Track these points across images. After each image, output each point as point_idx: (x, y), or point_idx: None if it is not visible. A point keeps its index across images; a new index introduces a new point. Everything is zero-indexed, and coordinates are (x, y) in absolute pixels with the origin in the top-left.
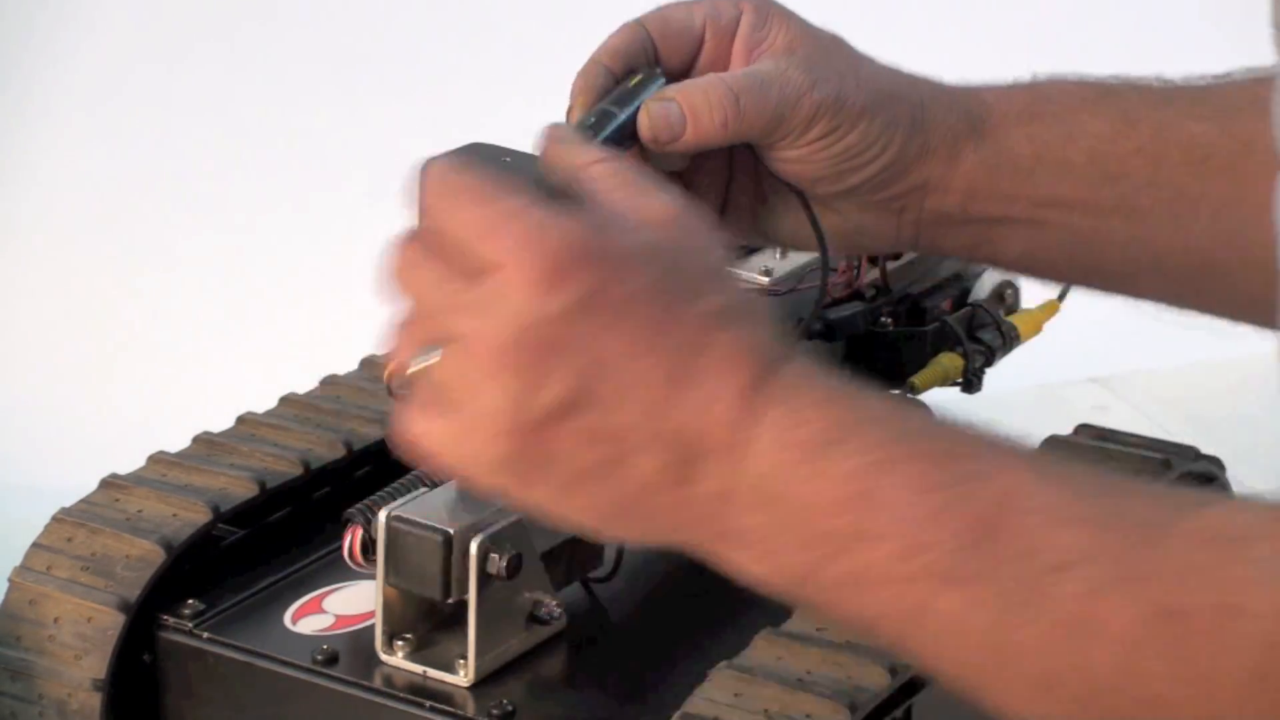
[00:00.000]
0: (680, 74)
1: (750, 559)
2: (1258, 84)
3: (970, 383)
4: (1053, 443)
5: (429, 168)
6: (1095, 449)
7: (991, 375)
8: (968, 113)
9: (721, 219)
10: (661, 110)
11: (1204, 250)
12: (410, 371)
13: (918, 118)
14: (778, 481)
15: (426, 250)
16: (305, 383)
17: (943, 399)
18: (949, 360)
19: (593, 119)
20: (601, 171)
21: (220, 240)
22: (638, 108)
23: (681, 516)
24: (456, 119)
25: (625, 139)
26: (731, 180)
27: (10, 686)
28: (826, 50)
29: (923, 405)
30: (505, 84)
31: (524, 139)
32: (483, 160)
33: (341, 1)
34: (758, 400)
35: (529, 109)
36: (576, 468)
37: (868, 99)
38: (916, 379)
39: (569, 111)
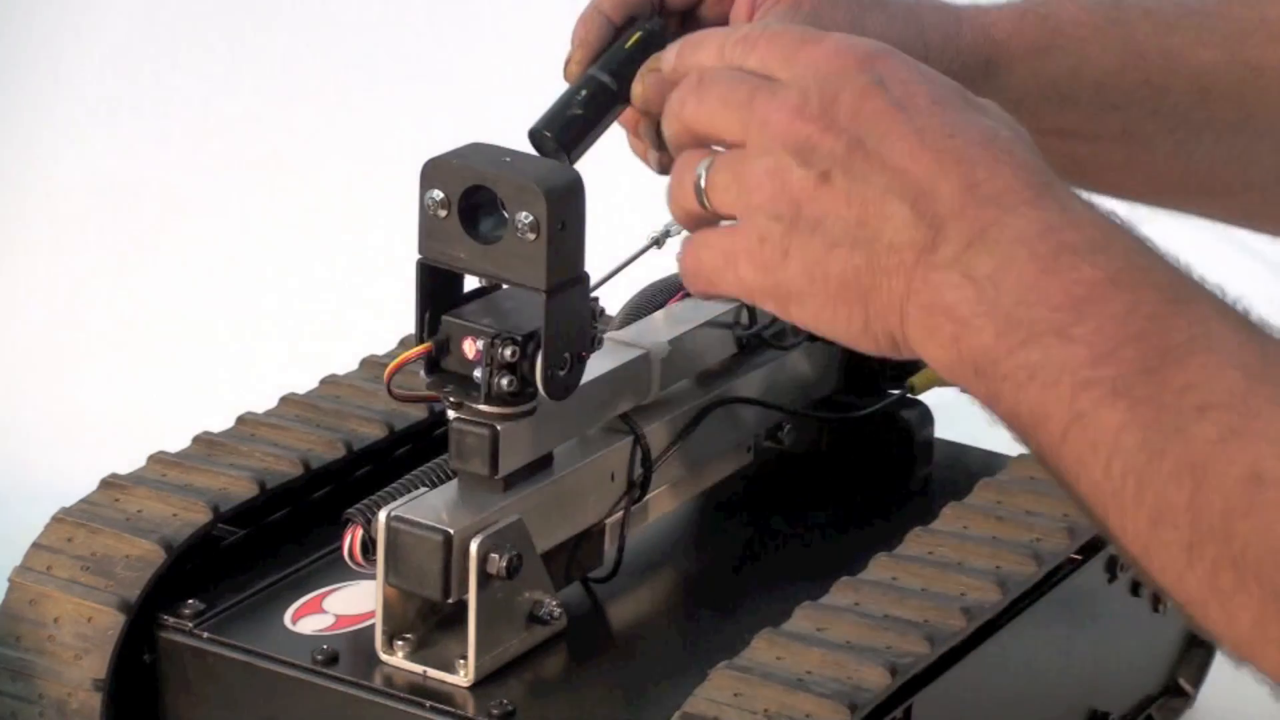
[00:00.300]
0: (684, 14)
1: (944, 338)
2: (1267, 3)
3: None
4: None
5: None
6: None
7: None
8: (974, 55)
9: None
10: (655, 81)
11: (1204, 172)
12: (700, 175)
13: None
14: (1011, 263)
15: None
16: (305, 383)
17: (943, 399)
18: None
19: (582, 93)
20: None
21: (220, 240)
22: (630, 75)
23: (905, 286)
24: (456, 119)
25: (618, 105)
26: None
27: (10, 686)
28: (835, 2)
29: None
30: (505, 84)
31: (523, 138)
32: (483, 160)
33: (341, 3)
34: (1028, 195)
35: (529, 109)
36: (838, 230)
37: None
38: (916, 379)
39: (566, 63)
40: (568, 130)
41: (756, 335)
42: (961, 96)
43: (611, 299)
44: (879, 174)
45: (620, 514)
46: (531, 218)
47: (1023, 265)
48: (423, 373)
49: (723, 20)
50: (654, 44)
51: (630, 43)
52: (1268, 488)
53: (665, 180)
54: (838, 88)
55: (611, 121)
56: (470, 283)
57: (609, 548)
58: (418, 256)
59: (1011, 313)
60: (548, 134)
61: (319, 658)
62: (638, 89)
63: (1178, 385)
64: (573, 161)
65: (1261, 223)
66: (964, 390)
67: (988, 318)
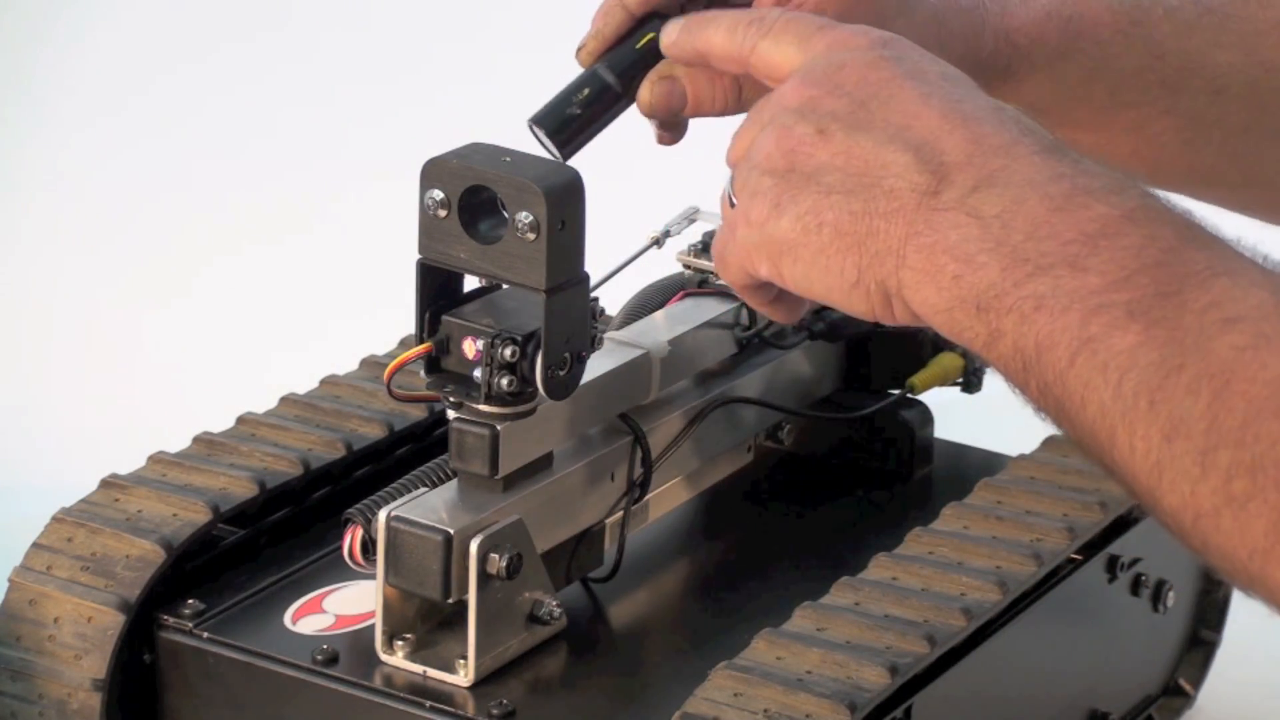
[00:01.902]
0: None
1: (944, 279)
2: None
3: (970, 383)
4: (1052, 442)
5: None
6: None
7: (992, 375)
8: (989, 66)
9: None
10: (665, 90)
11: (1209, 167)
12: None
13: None
14: (1021, 201)
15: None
16: (305, 383)
17: (943, 399)
18: (949, 360)
19: (586, 91)
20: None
21: (220, 240)
22: (636, 80)
23: (908, 228)
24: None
25: (619, 105)
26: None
27: (10, 686)
28: (857, 10)
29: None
30: (505, 84)
31: (523, 138)
32: (483, 159)
33: (341, 5)
34: (1045, 147)
35: (529, 109)
36: (834, 179)
37: None
38: (916, 379)
39: (579, 50)
40: (563, 129)
41: (757, 335)
42: (971, 82)
43: (611, 299)
44: (881, 127)
45: (620, 514)
46: (531, 217)
47: (1033, 205)
48: (423, 373)
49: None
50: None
51: (641, 43)
52: None
53: (665, 180)
54: (846, 58)
55: (611, 121)
56: (470, 282)
57: (609, 548)
58: (418, 256)
59: (1020, 247)
60: (540, 131)
61: (319, 658)
62: (644, 95)
63: (1200, 305)
64: (566, 158)
65: (1265, 215)
66: (958, 339)
67: (993, 253)
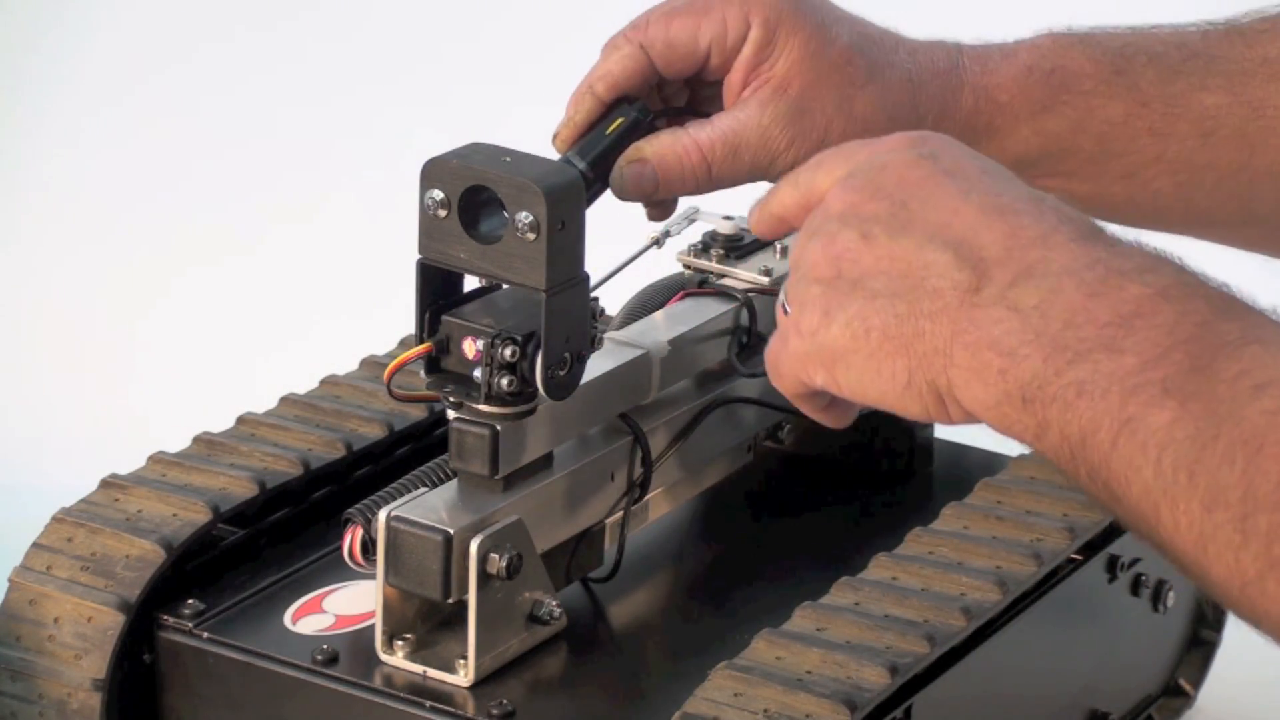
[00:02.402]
0: (677, 88)
1: (991, 374)
2: (1268, 43)
3: None
4: None
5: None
6: None
7: None
8: (971, 125)
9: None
10: (635, 173)
11: (1205, 209)
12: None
13: None
14: (1058, 291)
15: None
16: (305, 383)
17: None
18: None
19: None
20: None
21: (220, 240)
22: (607, 168)
23: (950, 330)
24: (456, 118)
25: (595, 186)
26: None
27: (10, 686)
28: (825, 82)
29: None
30: (506, 84)
31: (523, 138)
32: (483, 159)
33: (341, 3)
34: (1085, 229)
35: (529, 108)
36: (879, 283)
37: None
38: None
39: (554, 136)
40: None
41: (757, 335)
42: (1009, 173)
43: (611, 299)
44: (921, 228)
45: (620, 514)
46: (531, 217)
47: (1070, 293)
48: (423, 373)
49: (719, 84)
50: (636, 133)
51: (611, 128)
52: None
53: (669, 216)
54: (885, 159)
55: (587, 206)
56: (470, 282)
57: (609, 548)
58: (418, 256)
59: (1059, 336)
60: None
61: (319, 658)
62: (616, 179)
63: (1231, 374)
64: None
65: (1262, 249)
66: (1009, 433)
67: (1034, 345)
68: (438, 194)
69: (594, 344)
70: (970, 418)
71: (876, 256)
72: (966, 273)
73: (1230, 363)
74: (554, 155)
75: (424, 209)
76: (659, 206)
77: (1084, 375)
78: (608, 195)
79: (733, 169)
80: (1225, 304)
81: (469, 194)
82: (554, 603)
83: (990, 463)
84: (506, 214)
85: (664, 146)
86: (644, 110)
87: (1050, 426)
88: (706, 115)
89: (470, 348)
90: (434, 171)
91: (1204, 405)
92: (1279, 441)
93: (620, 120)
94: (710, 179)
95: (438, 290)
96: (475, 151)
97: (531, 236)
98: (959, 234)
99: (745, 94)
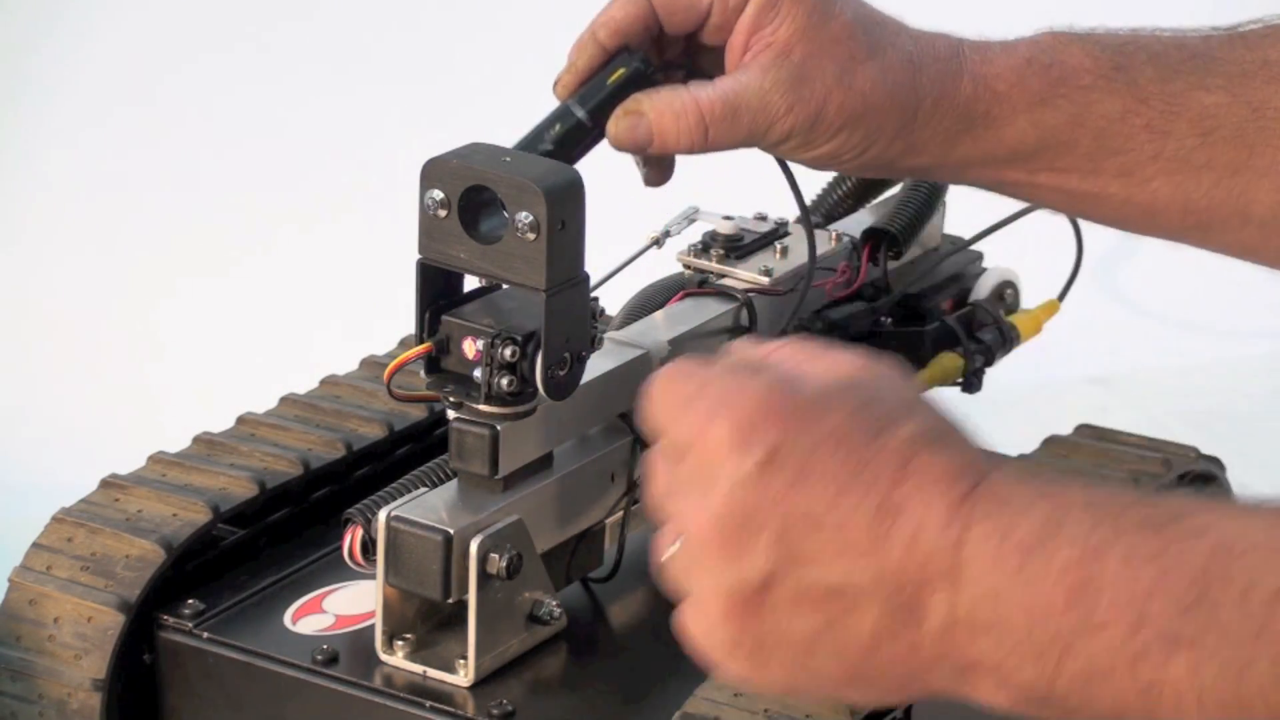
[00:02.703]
0: (678, 46)
1: (992, 687)
2: (1269, 46)
3: (970, 383)
4: (1053, 443)
5: (654, 384)
6: (1095, 449)
7: (991, 375)
8: (970, 111)
9: None
10: (630, 125)
11: (1203, 211)
12: (663, 561)
13: (907, 126)
14: (999, 594)
15: (663, 454)
16: (305, 383)
17: (943, 399)
18: (949, 360)
19: (558, 128)
20: (786, 350)
21: (220, 241)
22: (605, 117)
23: (916, 660)
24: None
25: (591, 140)
26: None
27: (10, 686)
28: (825, 52)
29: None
30: (505, 83)
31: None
32: (483, 159)
33: (341, 3)
34: (963, 519)
35: (529, 108)
36: (803, 635)
37: (849, 116)
38: (916, 379)
39: (556, 83)
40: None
41: (757, 335)
42: (868, 425)
43: (611, 299)
44: (821, 563)
45: (620, 514)
46: (531, 217)
47: (1009, 591)
48: (423, 373)
49: (720, 48)
50: (636, 83)
51: (613, 78)
52: None
53: (666, 182)
54: (729, 490)
55: (583, 154)
56: (470, 282)
57: (609, 548)
58: (418, 256)
59: (1032, 637)
60: None
61: (319, 658)
62: (612, 129)
63: (1234, 596)
64: None
65: (1259, 257)
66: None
67: (1017, 654)
68: (438, 194)
69: (594, 344)
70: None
71: (796, 608)
72: (899, 618)
73: (1224, 586)
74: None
75: (424, 209)
76: (655, 168)
77: (1081, 665)
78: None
79: (730, 131)
80: (1148, 513)
81: (469, 194)
82: (554, 603)
83: None
84: (506, 214)
85: (662, 102)
86: (645, 62)
87: (1081, 710)
88: (708, 78)
89: (470, 348)
90: (434, 171)
91: (1217, 638)
92: None
93: (621, 70)
94: (706, 140)
95: (438, 290)
96: (475, 151)
97: (531, 236)
98: (868, 571)
99: (746, 58)
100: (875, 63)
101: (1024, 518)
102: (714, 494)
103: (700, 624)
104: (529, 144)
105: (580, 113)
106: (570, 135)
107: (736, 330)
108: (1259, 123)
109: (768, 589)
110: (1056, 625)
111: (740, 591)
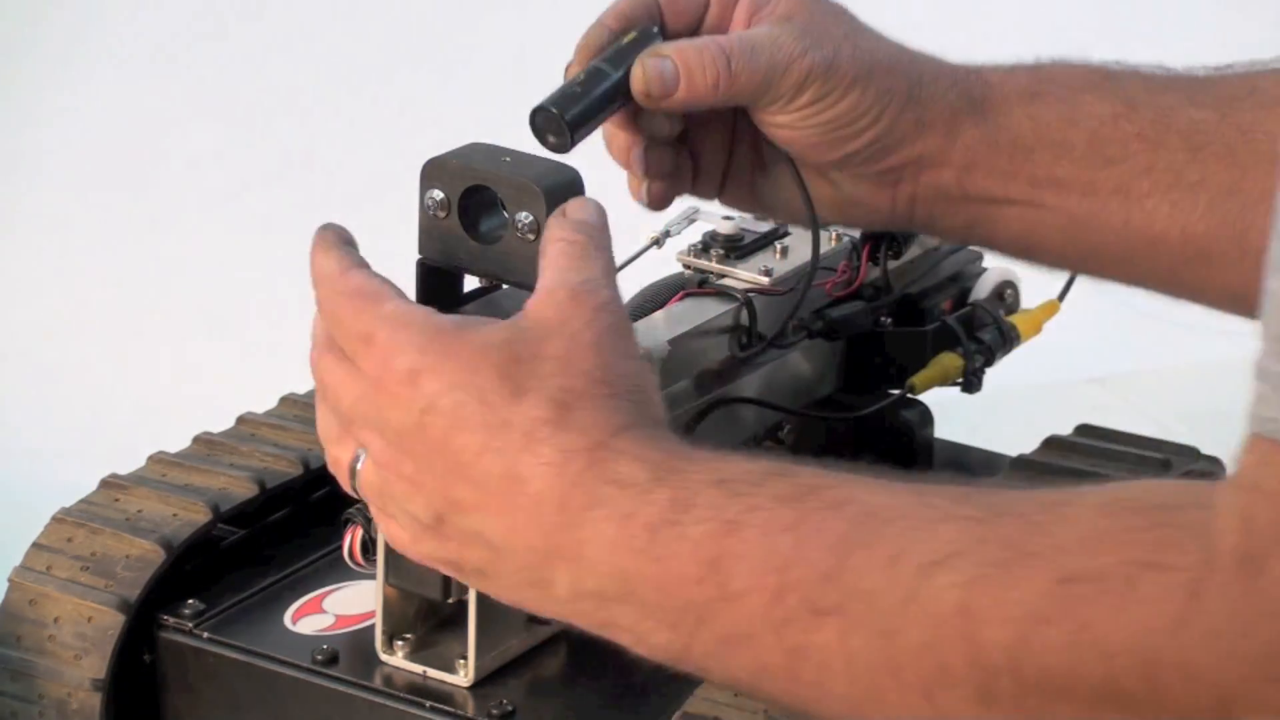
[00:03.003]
0: (683, 36)
1: (630, 643)
2: (1258, 76)
3: (970, 383)
4: (1052, 443)
5: (315, 261)
6: (1095, 449)
7: (991, 375)
8: (968, 90)
9: (722, 185)
10: (656, 66)
11: (1201, 237)
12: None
13: (914, 92)
14: (626, 572)
15: (331, 347)
16: (305, 383)
17: (943, 399)
18: (949, 360)
19: (583, 77)
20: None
21: (220, 240)
22: (629, 66)
23: (559, 612)
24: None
25: (618, 96)
26: (733, 150)
27: (10, 686)
28: (826, 18)
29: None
30: (505, 83)
31: (522, 138)
32: (483, 160)
33: (342, 2)
34: (581, 499)
35: (528, 108)
36: (476, 566)
37: (860, 69)
38: (916, 379)
39: (567, 68)
40: (572, 104)
41: (757, 335)
42: (512, 386)
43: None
44: (470, 514)
45: None
46: (531, 218)
47: (637, 569)
48: None
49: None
50: (651, 41)
51: (628, 39)
52: (1073, 588)
53: (669, 203)
54: (398, 432)
55: (612, 111)
56: (471, 282)
57: None
58: (418, 256)
59: (664, 608)
60: (554, 110)
61: (319, 658)
62: (638, 72)
63: (881, 562)
64: (574, 143)
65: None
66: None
67: (649, 621)
68: (438, 194)
69: None
70: None
71: (461, 545)
72: (532, 574)
73: (867, 554)
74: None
75: (424, 209)
76: (662, 174)
77: (722, 630)
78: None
79: (750, 66)
80: (790, 480)
81: (469, 194)
82: None
83: (990, 463)
84: (506, 214)
85: (684, 44)
86: (655, 29)
87: (713, 672)
88: None
89: None
90: (434, 172)
91: (865, 605)
92: (983, 610)
93: (634, 34)
94: (730, 72)
95: (437, 290)
96: (475, 151)
97: (531, 237)
98: (503, 532)
99: (752, 25)
100: (870, 36)
101: (649, 498)
102: (388, 430)
103: (400, 540)
104: (559, 92)
105: (604, 65)
106: (597, 79)
107: (736, 330)
108: (1249, 145)
109: (441, 523)
110: (690, 596)
111: (421, 522)
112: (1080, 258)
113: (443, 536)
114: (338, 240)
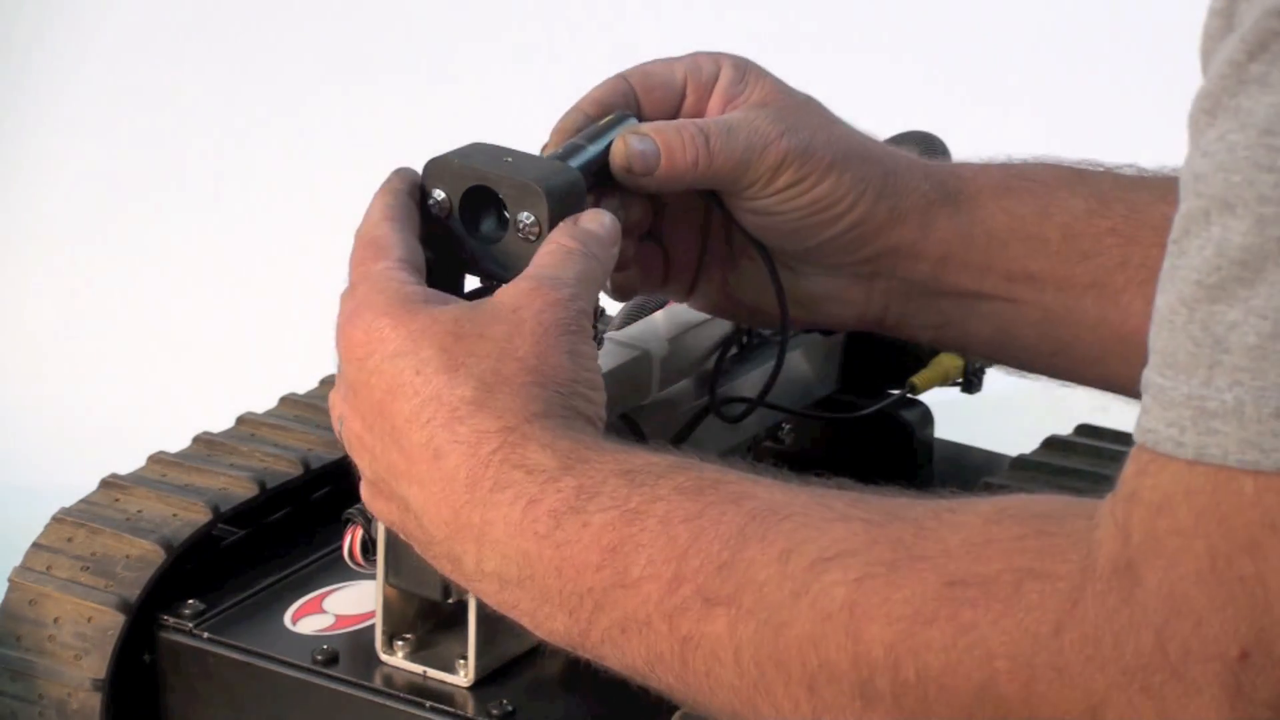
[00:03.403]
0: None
1: (530, 626)
2: None
3: (970, 383)
4: (1053, 443)
5: (372, 199)
6: (1095, 449)
7: (991, 375)
8: (941, 183)
9: (693, 284)
10: (638, 142)
11: None
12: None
13: (889, 181)
14: (528, 555)
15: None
16: (305, 383)
17: (943, 399)
18: (949, 360)
19: (561, 152)
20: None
21: (220, 240)
22: (609, 143)
23: (468, 586)
24: (456, 118)
25: (594, 174)
26: (705, 244)
27: (10, 686)
28: (800, 107)
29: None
30: (509, 83)
31: (526, 138)
32: (485, 159)
33: (342, 3)
34: (489, 481)
35: (531, 108)
36: (405, 529)
37: (836, 154)
38: (916, 379)
39: (543, 149)
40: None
41: (757, 335)
42: (447, 360)
43: (612, 299)
44: (400, 483)
45: None
46: (533, 218)
47: (539, 553)
48: None
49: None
50: (628, 123)
51: (604, 121)
52: (959, 591)
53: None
54: (346, 383)
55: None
56: (471, 282)
57: None
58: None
59: (563, 593)
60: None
61: (319, 658)
62: (619, 147)
63: (772, 556)
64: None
65: None
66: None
67: (547, 606)
68: (439, 194)
69: (595, 344)
70: None
71: (396, 510)
72: (444, 547)
73: (762, 547)
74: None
75: (426, 209)
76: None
77: (617, 616)
78: None
79: (729, 146)
80: (686, 475)
81: (470, 194)
82: None
83: (990, 463)
84: (508, 214)
85: (662, 124)
86: (630, 114)
87: (608, 658)
88: None
89: None
90: (435, 171)
91: (755, 596)
92: (869, 608)
93: (612, 116)
94: (709, 150)
95: (439, 288)
96: (477, 151)
97: (533, 237)
98: (422, 503)
99: (727, 112)
100: (843, 126)
101: (556, 486)
102: (344, 382)
103: (364, 494)
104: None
105: (581, 142)
106: (573, 157)
107: (736, 329)
108: None
109: (380, 483)
110: (589, 582)
111: (373, 483)
112: (1054, 354)
113: (384, 497)
114: (400, 187)
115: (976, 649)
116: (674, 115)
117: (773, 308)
